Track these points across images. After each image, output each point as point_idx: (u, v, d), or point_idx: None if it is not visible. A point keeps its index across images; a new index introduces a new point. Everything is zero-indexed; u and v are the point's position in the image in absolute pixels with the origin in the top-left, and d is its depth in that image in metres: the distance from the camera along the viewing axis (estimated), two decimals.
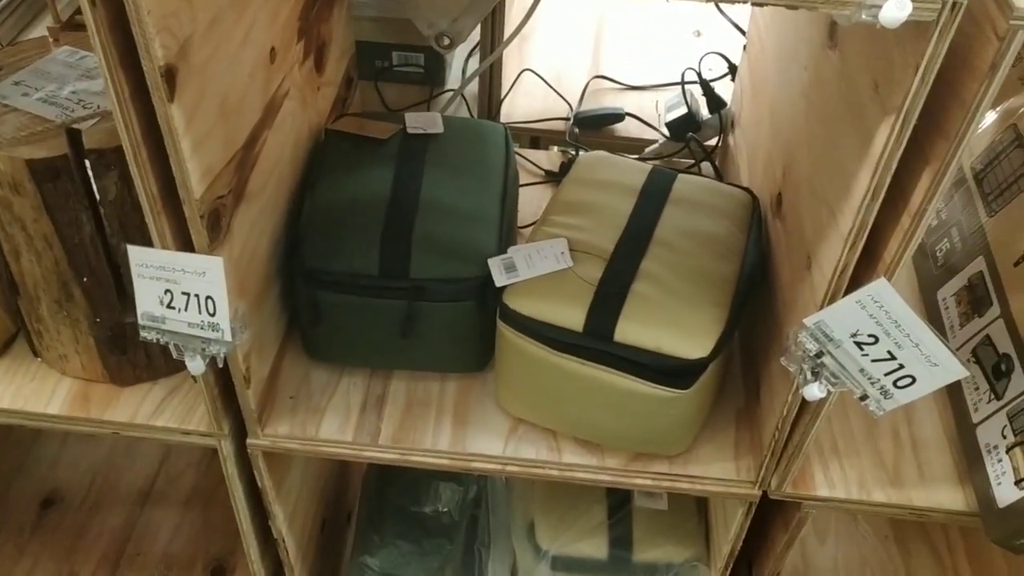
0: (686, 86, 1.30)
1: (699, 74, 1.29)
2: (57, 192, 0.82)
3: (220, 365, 0.82)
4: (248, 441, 0.96)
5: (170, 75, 0.66)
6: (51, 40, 0.94)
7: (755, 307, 0.98)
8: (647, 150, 1.32)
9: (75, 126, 0.82)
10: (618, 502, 1.18)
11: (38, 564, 1.42)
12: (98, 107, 0.84)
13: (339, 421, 0.97)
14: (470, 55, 1.47)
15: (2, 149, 0.79)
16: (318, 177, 0.99)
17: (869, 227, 0.70)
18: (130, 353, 0.96)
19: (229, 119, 0.79)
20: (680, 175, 1.01)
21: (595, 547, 1.16)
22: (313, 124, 1.06)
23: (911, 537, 1.40)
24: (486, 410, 0.98)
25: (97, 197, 0.84)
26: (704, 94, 1.28)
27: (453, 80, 1.46)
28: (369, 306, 0.92)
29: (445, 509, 1.22)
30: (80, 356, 0.96)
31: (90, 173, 0.82)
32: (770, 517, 1.02)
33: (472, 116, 1.40)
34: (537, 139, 1.40)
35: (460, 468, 0.96)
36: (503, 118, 1.40)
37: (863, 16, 0.56)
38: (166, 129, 0.68)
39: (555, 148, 1.31)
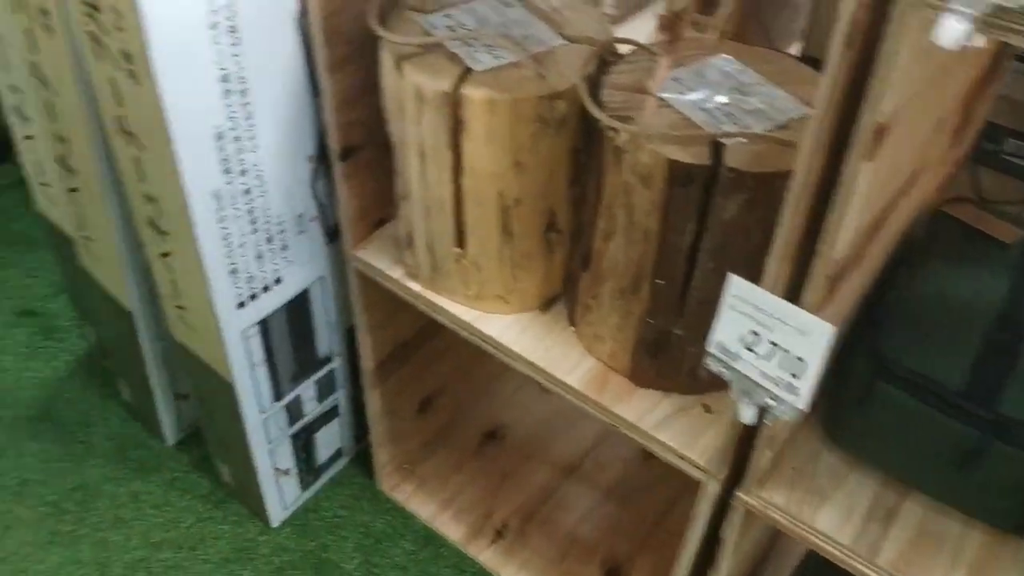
0: None
1: None
2: (679, 196, 0.82)
3: (769, 423, 0.78)
4: (737, 494, 0.91)
5: (879, 135, 0.61)
6: (716, 41, 0.94)
7: None
8: None
9: (721, 140, 0.81)
10: None
11: (467, 485, 1.52)
12: (747, 126, 0.82)
13: (839, 518, 0.88)
14: None
15: (652, 143, 0.80)
16: (920, 260, 0.90)
17: None
18: (660, 359, 0.96)
19: (887, 183, 0.72)
20: None
21: None
22: (925, 198, 0.96)
23: None
24: None
25: (710, 213, 0.83)
26: None
27: None
28: (932, 420, 0.82)
29: None
30: (614, 344, 0.98)
31: (716, 188, 0.80)
32: None
33: None
34: None
35: None
36: None
37: None
38: (848, 186, 0.63)
39: None
